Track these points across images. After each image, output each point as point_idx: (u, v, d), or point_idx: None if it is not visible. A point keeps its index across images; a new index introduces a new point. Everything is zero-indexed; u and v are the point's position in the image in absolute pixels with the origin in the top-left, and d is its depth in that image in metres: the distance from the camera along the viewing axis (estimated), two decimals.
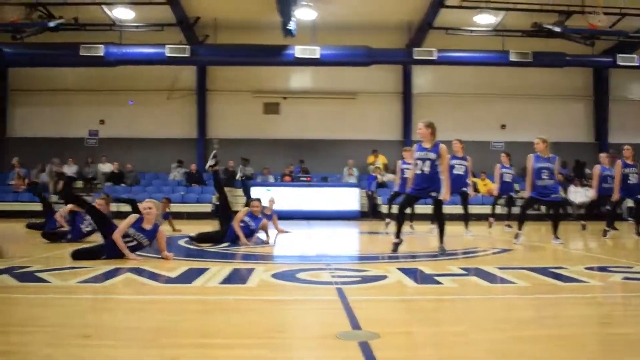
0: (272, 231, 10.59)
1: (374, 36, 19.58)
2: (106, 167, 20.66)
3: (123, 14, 18.63)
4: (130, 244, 6.90)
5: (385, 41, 19.74)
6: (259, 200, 9.93)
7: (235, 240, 9.07)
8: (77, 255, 6.71)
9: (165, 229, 7.33)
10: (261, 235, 9.79)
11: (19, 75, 22.26)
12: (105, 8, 18.13)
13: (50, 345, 3.06)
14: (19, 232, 11.72)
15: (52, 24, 17.97)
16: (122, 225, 7.01)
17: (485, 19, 18.58)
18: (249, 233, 9.45)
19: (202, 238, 9.10)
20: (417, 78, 22.14)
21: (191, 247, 8.67)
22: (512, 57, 18.81)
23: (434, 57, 18.98)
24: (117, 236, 6.82)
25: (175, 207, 15.22)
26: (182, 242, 9.18)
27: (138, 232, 6.94)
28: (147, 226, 7.01)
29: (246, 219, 9.43)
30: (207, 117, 22.17)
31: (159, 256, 7.09)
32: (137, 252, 6.95)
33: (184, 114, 22.11)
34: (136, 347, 3.06)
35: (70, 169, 20.50)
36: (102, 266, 6.12)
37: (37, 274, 5.56)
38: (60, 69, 21.13)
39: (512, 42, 19.30)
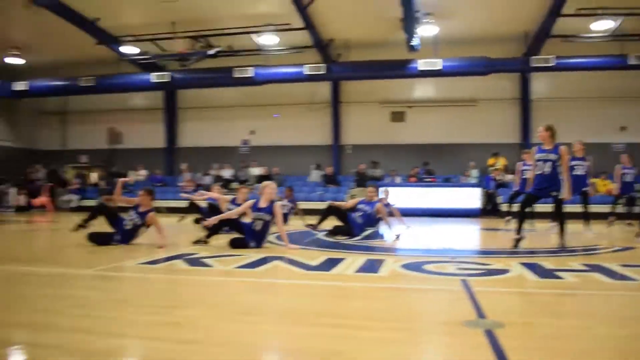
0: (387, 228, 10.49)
1: (492, 46, 18.83)
2: (256, 171, 21.55)
3: (268, 40, 19.37)
4: (258, 227, 7.27)
5: (503, 51, 18.92)
6: (374, 186, 9.96)
7: (362, 232, 9.26)
8: (233, 244, 7.14)
9: (280, 207, 7.69)
10: (385, 232, 9.75)
11: (185, 96, 23.92)
12: (253, 36, 18.96)
13: (216, 319, 3.27)
14: (189, 225, 12.59)
15: (211, 52, 19.11)
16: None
17: (603, 25, 17.18)
18: (367, 218, 9.48)
19: (337, 231, 9.28)
20: (534, 84, 20.90)
21: (328, 239, 8.84)
22: (631, 61, 17.23)
23: (552, 64, 17.91)
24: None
25: (314, 205, 15.62)
26: (320, 235, 9.39)
27: (259, 212, 7.30)
28: (264, 204, 7.37)
29: (360, 205, 9.56)
30: (340, 126, 22.44)
31: (303, 246, 7.35)
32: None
33: (320, 123, 22.52)
34: (286, 325, 3.19)
35: (227, 173, 21.66)
36: (254, 254, 6.42)
37: (203, 260, 5.96)
38: (218, 89, 22.32)
39: (631, 45, 17.68)
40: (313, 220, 10.79)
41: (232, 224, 7.71)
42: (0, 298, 3.90)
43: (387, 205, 11.20)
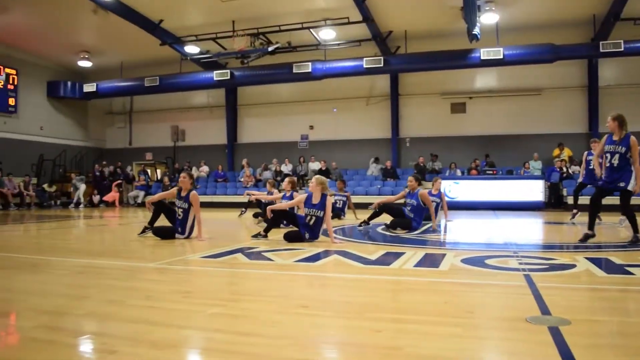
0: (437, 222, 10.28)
1: (558, 32, 18.14)
2: (315, 165, 21.65)
3: (327, 34, 19.40)
4: (311, 222, 7.30)
5: (569, 36, 18.17)
6: (413, 176, 9.83)
7: (420, 225, 9.15)
8: (288, 238, 7.19)
9: (331, 200, 7.69)
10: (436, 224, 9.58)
11: (245, 93, 24.30)
12: (312, 31, 19.02)
13: (276, 312, 3.29)
14: (248, 219, 12.79)
15: (270, 48, 19.34)
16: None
17: None
18: (416, 210, 9.34)
19: (394, 225, 9.19)
20: (603, 71, 19.90)
21: (387, 233, 8.76)
22: None
23: (621, 49, 17.03)
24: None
25: (372, 199, 15.52)
26: (379, 229, 9.32)
27: (311, 208, 7.32)
28: (316, 200, 7.37)
29: (407, 199, 9.49)
30: (399, 119, 22.19)
31: (361, 240, 7.30)
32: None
33: (379, 117, 22.36)
34: (344, 319, 3.17)
35: (286, 168, 21.87)
36: (311, 248, 6.44)
37: (263, 254, 6.02)
38: (276, 85, 22.60)
39: None
40: (365, 214, 10.72)
41: (288, 217, 7.79)
42: (73, 289, 4.07)
43: (438, 195, 11.07)
